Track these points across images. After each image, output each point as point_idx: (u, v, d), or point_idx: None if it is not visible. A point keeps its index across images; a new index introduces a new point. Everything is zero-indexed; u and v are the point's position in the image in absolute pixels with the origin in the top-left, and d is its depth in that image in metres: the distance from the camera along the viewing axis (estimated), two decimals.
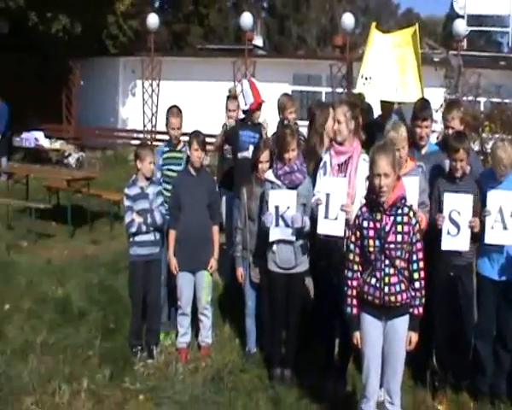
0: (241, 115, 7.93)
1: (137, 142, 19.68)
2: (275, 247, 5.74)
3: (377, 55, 6.75)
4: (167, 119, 6.78)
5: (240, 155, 7.41)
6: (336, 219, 5.38)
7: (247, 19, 19.35)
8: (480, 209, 5.40)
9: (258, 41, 28.76)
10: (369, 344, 4.61)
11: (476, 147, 11.14)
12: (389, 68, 6.68)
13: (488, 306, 5.58)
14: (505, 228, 5.34)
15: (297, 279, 5.82)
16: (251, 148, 7.25)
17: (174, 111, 6.78)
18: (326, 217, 5.44)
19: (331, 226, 5.42)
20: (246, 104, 7.44)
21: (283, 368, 5.88)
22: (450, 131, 5.88)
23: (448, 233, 5.35)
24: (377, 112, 7.16)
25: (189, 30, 35.16)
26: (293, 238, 5.67)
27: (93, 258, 9.56)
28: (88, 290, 7.94)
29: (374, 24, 7.03)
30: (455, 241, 5.36)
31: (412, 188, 5.29)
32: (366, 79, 6.70)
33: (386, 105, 6.89)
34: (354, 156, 5.56)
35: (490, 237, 5.39)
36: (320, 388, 5.64)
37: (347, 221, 5.28)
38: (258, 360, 6.20)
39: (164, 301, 6.68)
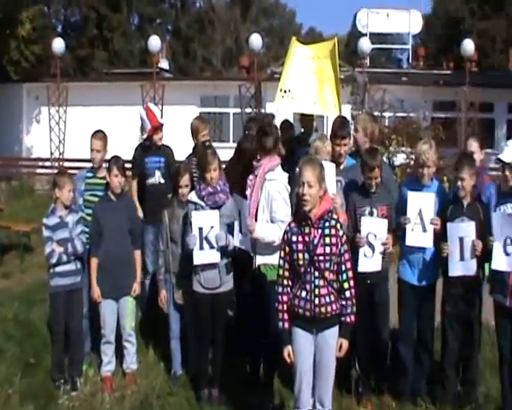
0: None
1: (44, 171, 19.33)
2: (199, 267, 5.76)
3: (296, 68, 6.77)
4: (90, 142, 6.66)
5: (147, 182, 7.38)
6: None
7: (154, 42, 19.35)
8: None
9: (164, 64, 28.68)
10: (301, 357, 4.69)
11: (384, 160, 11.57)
12: (308, 81, 6.71)
13: (409, 310, 5.81)
14: (424, 230, 5.56)
15: (222, 299, 5.84)
16: (157, 173, 7.25)
17: (96, 133, 6.68)
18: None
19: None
20: (145, 132, 7.43)
21: (211, 388, 5.87)
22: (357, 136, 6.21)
23: (364, 256, 5.56)
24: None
25: (93, 54, 34.83)
26: (218, 260, 5.72)
27: (5, 292, 9.21)
28: (3, 326, 7.61)
29: (294, 37, 7.12)
30: (370, 262, 5.58)
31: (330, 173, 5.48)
32: (285, 91, 6.72)
33: (306, 120, 6.99)
34: (259, 174, 5.66)
35: (410, 240, 5.61)
36: (248, 404, 5.67)
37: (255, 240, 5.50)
38: (184, 382, 6.17)
39: (86, 330, 6.53)
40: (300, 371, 4.69)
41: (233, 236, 5.73)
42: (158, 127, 7.35)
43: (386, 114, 15.31)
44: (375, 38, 29.56)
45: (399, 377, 5.87)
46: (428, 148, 5.63)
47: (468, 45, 20.73)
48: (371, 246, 5.56)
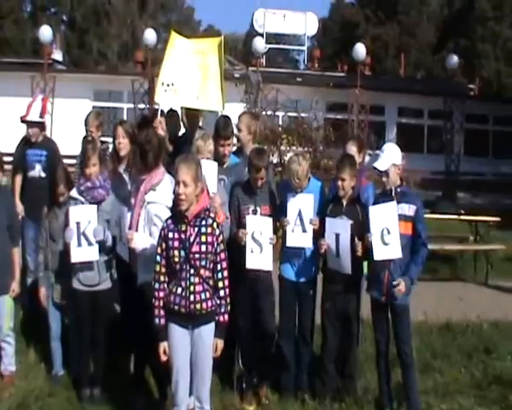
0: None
1: None
2: (77, 265, 5.66)
3: (179, 61, 6.64)
4: None
5: (28, 175, 7.17)
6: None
7: (46, 32, 18.80)
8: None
9: (58, 55, 27.83)
10: (177, 354, 4.68)
11: (275, 159, 11.81)
12: (191, 75, 6.61)
13: (289, 306, 5.94)
14: (304, 231, 5.69)
15: (102, 296, 5.78)
16: (37, 166, 7.06)
17: None
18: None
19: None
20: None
21: (92, 387, 5.78)
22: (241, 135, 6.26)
23: (252, 252, 5.60)
24: None
25: None
26: (96, 258, 5.63)
27: None
28: None
29: (173, 29, 7.01)
30: (258, 259, 5.61)
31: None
32: (168, 85, 6.59)
33: (191, 116, 6.86)
34: (140, 191, 5.41)
35: (291, 241, 5.74)
36: (130, 402, 5.62)
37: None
38: (66, 382, 6.04)
39: None
40: (177, 368, 4.69)
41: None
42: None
43: (279, 114, 15.54)
44: (272, 38, 30.05)
45: (281, 373, 5.98)
46: (298, 168, 5.68)
47: (360, 49, 21.37)
48: (258, 243, 5.61)
